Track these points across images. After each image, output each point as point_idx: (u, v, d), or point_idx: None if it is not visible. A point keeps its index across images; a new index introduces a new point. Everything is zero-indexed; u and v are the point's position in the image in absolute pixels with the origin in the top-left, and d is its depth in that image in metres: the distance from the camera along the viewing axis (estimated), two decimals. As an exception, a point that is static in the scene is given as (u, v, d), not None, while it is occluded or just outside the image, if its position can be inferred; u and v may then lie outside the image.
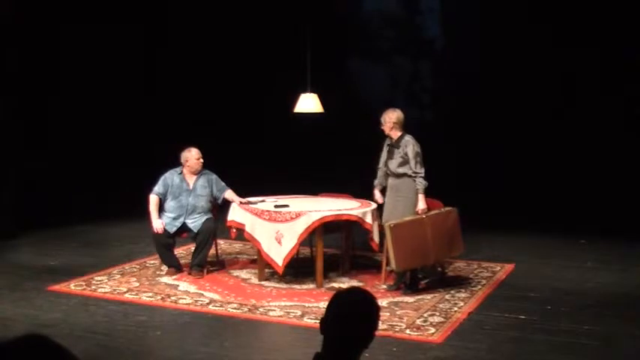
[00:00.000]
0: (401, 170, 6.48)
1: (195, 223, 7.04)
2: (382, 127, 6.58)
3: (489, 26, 10.63)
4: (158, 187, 7.15)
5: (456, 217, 6.60)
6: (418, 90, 11.76)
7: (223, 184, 7.25)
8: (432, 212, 6.51)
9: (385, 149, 6.67)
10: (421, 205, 6.43)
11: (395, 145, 6.54)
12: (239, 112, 11.37)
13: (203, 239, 7.02)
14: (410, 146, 6.43)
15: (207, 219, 7.06)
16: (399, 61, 11.79)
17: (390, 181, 6.62)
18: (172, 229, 7.04)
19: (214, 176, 7.24)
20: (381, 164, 6.74)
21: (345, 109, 10.48)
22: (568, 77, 9.75)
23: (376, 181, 6.85)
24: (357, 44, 11.96)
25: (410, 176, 6.45)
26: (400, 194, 6.50)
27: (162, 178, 7.19)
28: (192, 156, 7.12)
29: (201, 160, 7.15)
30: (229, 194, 7.19)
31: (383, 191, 6.80)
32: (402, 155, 6.46)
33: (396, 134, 6.53)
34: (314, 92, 7.88)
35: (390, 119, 6.50)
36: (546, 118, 10.01)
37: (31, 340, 1.60)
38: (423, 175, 6.42)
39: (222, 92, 11.34)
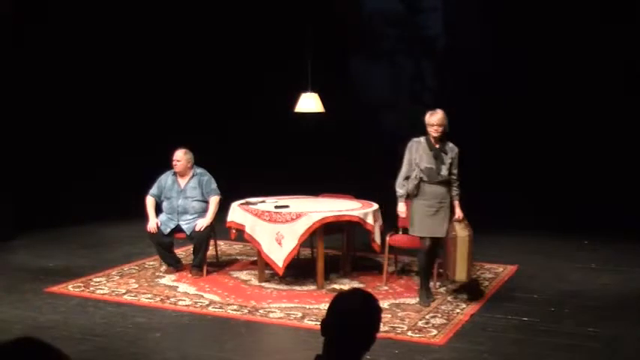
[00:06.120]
0: (448, 177, 6.15)
1: (188, 225, 7.00)
2: (440, 131, 6.05)
3: (491, 24, 10.58)
4: (153, 189, 7.20)
5: None
6: (420, 89, 11.73)
7: (214, 187, 7.11)
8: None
9: (425, 154, 6.12)
10: (459, 212, 6.16)
11: (442, 149, 6.15)
12: (239, 111, 11.33)
13: (198, 242, 6.98)
14: (456, 151, 6.17)
15: (200, 221, 7.00)
16: (401, 60, 11.75)
17: (430, 187, 6.14)
18: (166, 230, 7.03)
19: (206, 177, 7.13)
20: (421, 173, 6.11)
21: (346, 108, 10.44)
22: (570, 76, 9.69)
23: (403, 191, 6.19)
24: (359, 43, 11.92)
25: (449, 182, 6.17)
26: (443, 201, 6.15)
27: (157, 180, 7.22)
28: (173, 158, 7.08)
29: (177, 163, 7.03)
30: (212, 202, 7.06)
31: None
32: (450, 162, 6.13)
33: (443, 139, 6.17)
34: (315, 92, 7.83)
35: (443, 122, 6.06)
36: (549, 118, 9.96)
37: (24, 343, 1.59)
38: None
39: (222, 92, 11.30)
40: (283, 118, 9.42)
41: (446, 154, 6.14)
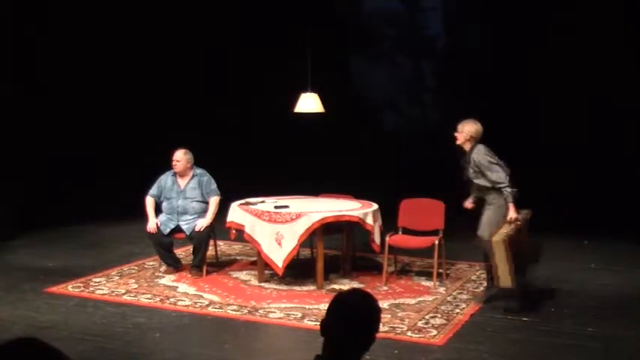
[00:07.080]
0: (482, 183, 6.10)
1: (188, 225, 7.01)
2: (456, 136, 6.18)
3: (491, 24, 10.58)
4: (153, 189, 7.21)
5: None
6: (420, 89, 11.71)
7: (213, 187, 7.13)
8: (523, 213, 6.14)
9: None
10: (512, 213, 5.96)
11: (467, 158, 6.16)
12: (239, 111, 11.32)
13: (197, 242, 6.99)
14: (479, 158, 6.05)
15: (200, 221, 7.00)
16: (401, 60, 11.74)
17: (477, 193, 6.27)
18: (166, 230, 7.04)
19: (206, 178, 7.15)
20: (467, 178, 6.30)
21: (346, 108, 10.43)
22: (569, 76, 9.68)
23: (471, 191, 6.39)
24: (358, 43, 11.91)
25: (494, 187, 6.06)
26: (489, 205, 6.12)
27: (157, 180, 7.24)
28: (173, 158, 7.09)
29: (177, 163, 7.05)
30: (212, 202, 7.08)
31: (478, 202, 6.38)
32: (474, 170, 6.10)
33: (468, 147, 6.16)
34: (315, 92, 7.82)
35: (469, 132, 6.12)
36: (548, 118, 9.94)
37: (24, 343, 1.59)
38: (506, 183, 5.99)
39: (222, 92, 11.29)
40: (283, 118, 9.42)
41: (469, 163, 6.16)
